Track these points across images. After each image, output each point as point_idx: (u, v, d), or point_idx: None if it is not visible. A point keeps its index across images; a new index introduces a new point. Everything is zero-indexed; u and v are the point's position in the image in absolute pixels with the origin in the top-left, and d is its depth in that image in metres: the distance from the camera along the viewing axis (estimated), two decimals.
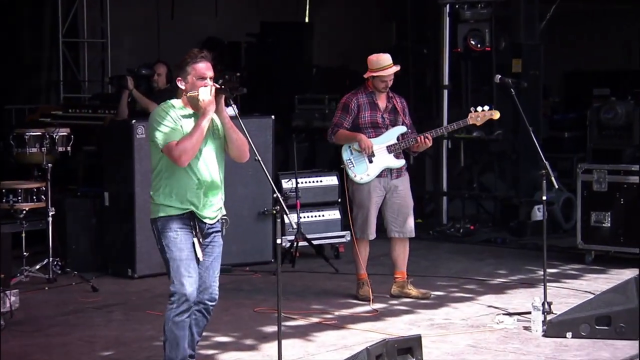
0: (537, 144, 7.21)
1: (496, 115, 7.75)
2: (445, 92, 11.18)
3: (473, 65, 11.00)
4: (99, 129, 9.79)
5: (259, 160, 5.45)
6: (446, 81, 11.19)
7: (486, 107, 7.74)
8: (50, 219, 8.31)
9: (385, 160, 7.77)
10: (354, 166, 7.77)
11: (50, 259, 8.33)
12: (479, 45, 10.75)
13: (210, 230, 5.52)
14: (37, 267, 8.33)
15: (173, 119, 5.43)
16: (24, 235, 8.31)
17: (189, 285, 5.41)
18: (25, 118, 10.87)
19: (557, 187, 7.38)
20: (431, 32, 11.54)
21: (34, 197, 8.37)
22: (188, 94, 5.47)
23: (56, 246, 8.46)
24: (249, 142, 5.53)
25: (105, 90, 11.72)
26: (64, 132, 8.53)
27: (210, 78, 5.47)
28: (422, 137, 7.73)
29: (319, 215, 9.47)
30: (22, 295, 7.34)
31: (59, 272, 8.41)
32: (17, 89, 11.35)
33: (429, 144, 7.77)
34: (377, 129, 7.79)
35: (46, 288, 8.20)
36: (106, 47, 12.18)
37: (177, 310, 5.42)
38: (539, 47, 11.06)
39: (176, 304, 5.43)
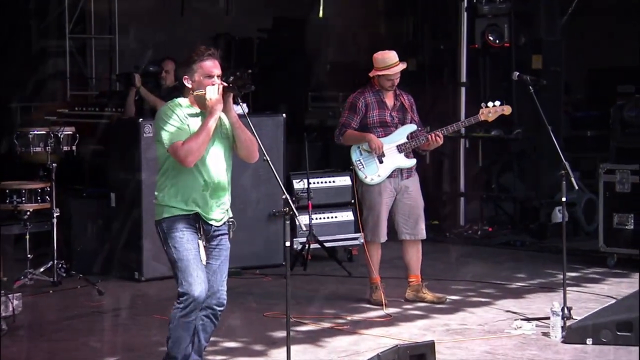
0: (556, 144, 7.19)
1: (508, 110, 7.77)
2: (463, 89, 11.18)
3: (491, 62, 10.99)
4: (106, 127, 9.81)
5: (267, 160, 5.46)
6: (464, 78, 11.19)
7: (497, 102, 7.75)
8: (55, 220, 8.34)
9: (396, 160, 7.77)
10: (364, 167, 7.77)
11: (55, 261, 8.35)
12: (497, 41, 10.72)
13: (217, 233, 5.53)
14: (42, 269, 8.35)
15: (179, 118, 5.44)
16: (28, 237, 8.35)
17: (198, 285, 5.42)
18: (31, 116, 10.91)
19: (577, 187, 7.37)
20: (448, 27, 11.52)
21: (39, 198, 8.40)
22: (194, 93, 5.48)
23: (61, 248, 8.49)
24: (257, 141, 5.54)
25: (113, 88, 11.76)
26: (69, 130, 8.55)
27: (218, 76, 5.48)
28: (432, 135, 7.73)
29: (332, 217, 9.48)
30: (25, 298, 7.37)
31: (64, 275, 8.43)
32: (22, 86, 11.39)
33: (440, 142, 7.76)
34: (386, 128, 7.80)
35: (51, 291, 8.23)
36: (114, 43, 12.22)
37: (184, 311, 5.44)
38: (560, 43, 11.03)
39: (184, 304, 5.44)
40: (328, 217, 9.46)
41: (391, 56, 7.79)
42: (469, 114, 10.64)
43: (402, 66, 7.80)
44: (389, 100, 7.85)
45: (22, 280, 8.16)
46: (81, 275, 8.40)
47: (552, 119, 9.10)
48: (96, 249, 8.95)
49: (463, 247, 10.38)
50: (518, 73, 7.63)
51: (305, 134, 9.47)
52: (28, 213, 8.37)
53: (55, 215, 8.33)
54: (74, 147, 8.55)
